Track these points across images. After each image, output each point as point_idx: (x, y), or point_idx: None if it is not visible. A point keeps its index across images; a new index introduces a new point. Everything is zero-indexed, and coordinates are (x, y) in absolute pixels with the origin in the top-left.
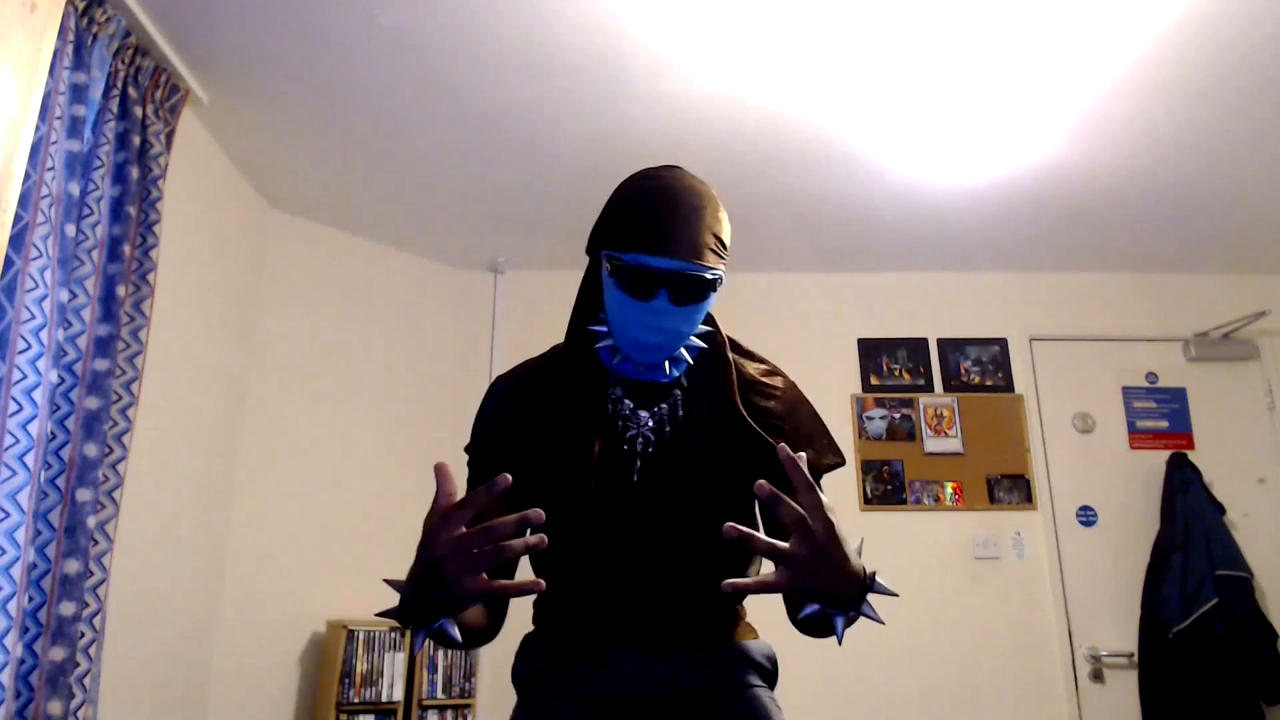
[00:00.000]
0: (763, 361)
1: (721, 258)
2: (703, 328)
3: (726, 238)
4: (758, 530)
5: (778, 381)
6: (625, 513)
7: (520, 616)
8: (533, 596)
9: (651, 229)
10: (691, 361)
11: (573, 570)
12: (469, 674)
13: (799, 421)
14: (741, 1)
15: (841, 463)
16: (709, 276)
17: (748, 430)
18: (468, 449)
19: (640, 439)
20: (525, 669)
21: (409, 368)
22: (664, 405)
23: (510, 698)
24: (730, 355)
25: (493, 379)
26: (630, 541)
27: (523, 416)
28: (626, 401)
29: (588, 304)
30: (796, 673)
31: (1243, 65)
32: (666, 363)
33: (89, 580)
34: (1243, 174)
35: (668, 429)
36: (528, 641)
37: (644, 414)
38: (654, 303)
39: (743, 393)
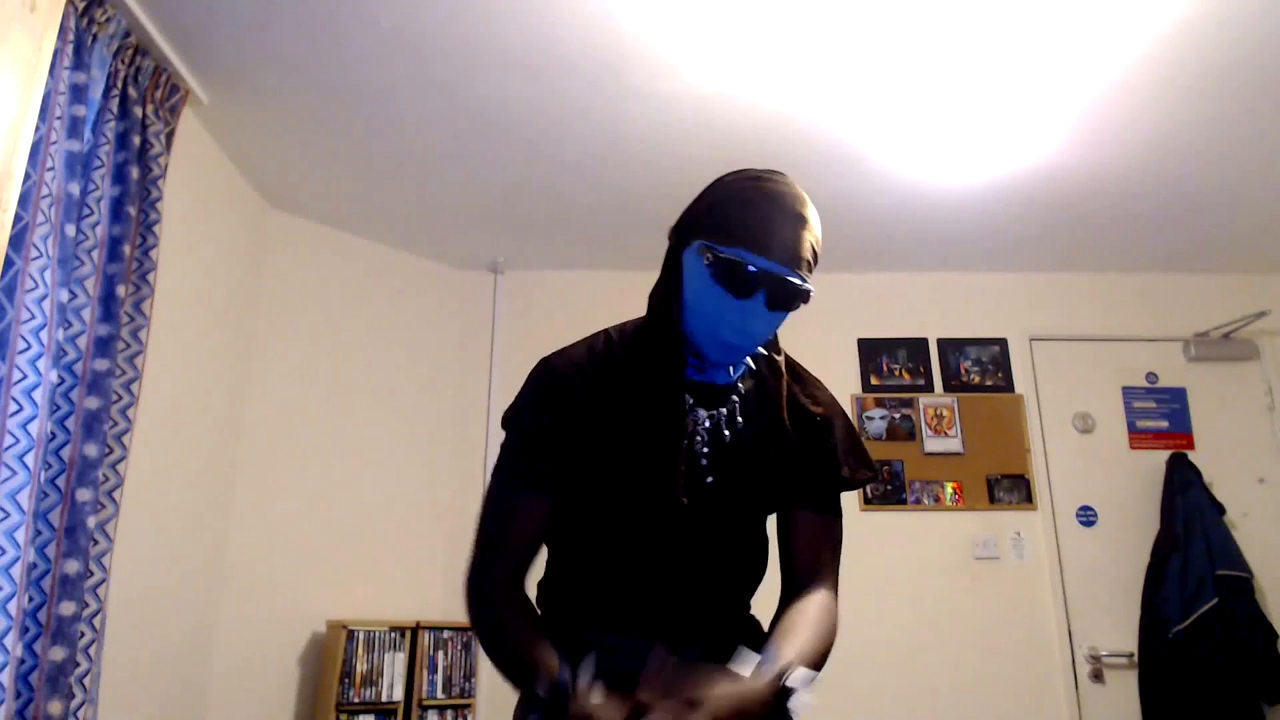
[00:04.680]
0: (806, 370)
1: (812, 272)
2: None
3: (820, 252)
4: (766, 538)
5: (819, 394)
6: (669, 511)
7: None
8: (537, 580)
9: (763, 229)
10: (754, 367)
11: (605, 561)
12: (469, 674)
13: (838, 435)
14: (742, 2)
15: (874, 477)
16: (804, 290)
17: (790, 439)
18: (509, 423)
19: (699, 438)
20: None
21: (409, 368)
22: (722, 409)
23: (511, 698)
24: (784, 369)
25: (543, 358)
26: (673, 539)
27: (581, 407)
28: (686, 398)
29: (669, 294)
30: None
31: (1243, 65)
32: (730, 366)
33: (89, 580)
34: (1243, 174)
35: (726, 433)
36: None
37: (703, 413)
38: (749, 303)
39: (790, 402)
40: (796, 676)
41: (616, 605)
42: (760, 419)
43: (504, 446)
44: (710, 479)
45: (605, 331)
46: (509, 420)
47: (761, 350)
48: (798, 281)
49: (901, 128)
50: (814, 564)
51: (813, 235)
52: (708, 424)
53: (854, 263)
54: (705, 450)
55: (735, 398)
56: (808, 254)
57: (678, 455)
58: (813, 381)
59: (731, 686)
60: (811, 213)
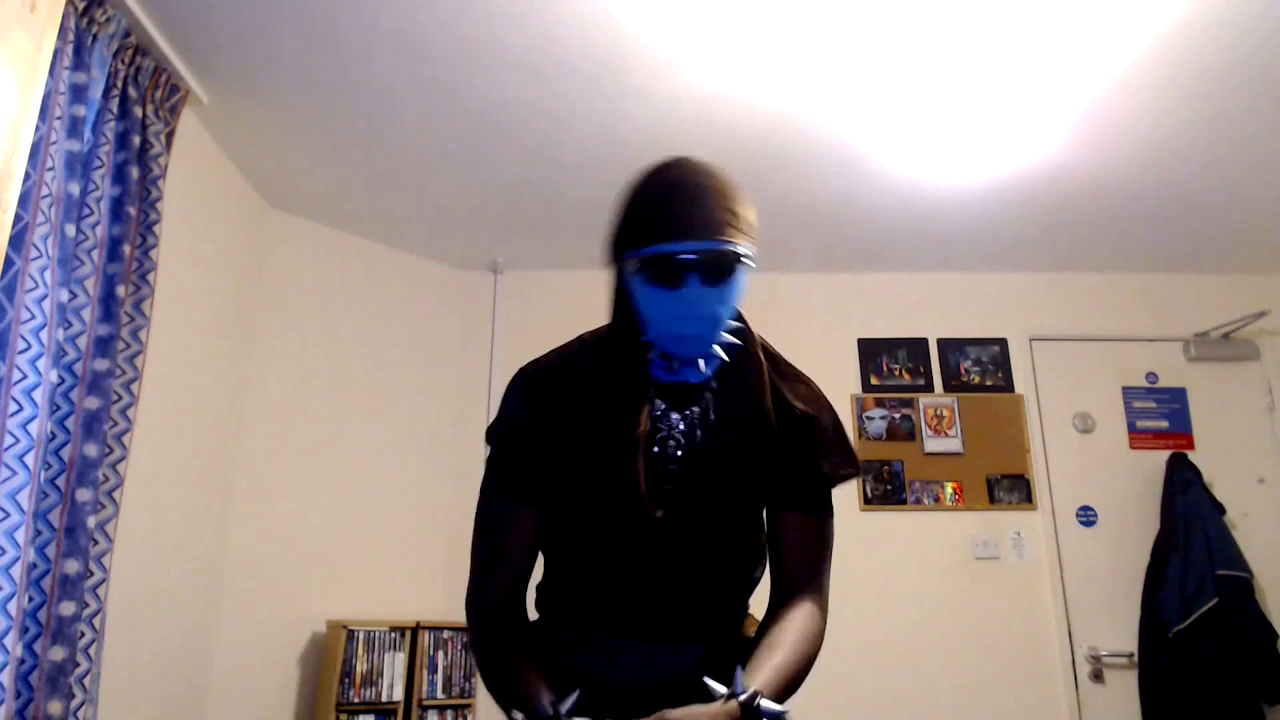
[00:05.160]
0: (788, 363)
1: (744, 232)
2: (733, 324)
3: (748, 214)
4: (759, 535)
5: (803, 389)
6: (638, 515)
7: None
8: (536, 583)
9: (666, 215)
10: (726, 359)
11: (594, 564)
12: (469, 674)
13: (822, 428)
14: (742, 2)
15: (856, 473)
16: (733, 251)
17: (774, 436)
18: (493, 437)
19: (671, 441)
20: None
21: (409, 368)
22: (695, 408)
23: None
24: (760, 359)
25: (519, 369)
26: (653, 541)
27: (552, 410)
28: (658, 402)
29: (622, 316)
30: None
31: (1243, 65)
32: (701, 361)
33: (89, 580)
34: (1243, 174)
35: (699, 432)
36: (535, 631)
37: (675, 416)
38: (686, 289)
39: (773, 394)
40: (765, 707)
41: (609, 607)
42: (739, 416)
43: (489, 460)
44: (685, 480)
45: (581, 336)
46: (492, 432)
47: (733, 339)
48: (722, 249)
49: (901, 128)
50: (802, 567)
51: (726, 199)
52: (682, 425)
53: (854, 263)
54: (679, 454)
55: (709, 394)
56: (726, 219)
57: (641, 461)
58: (796, 376)
59: (698, 712)
60: (719, 180)
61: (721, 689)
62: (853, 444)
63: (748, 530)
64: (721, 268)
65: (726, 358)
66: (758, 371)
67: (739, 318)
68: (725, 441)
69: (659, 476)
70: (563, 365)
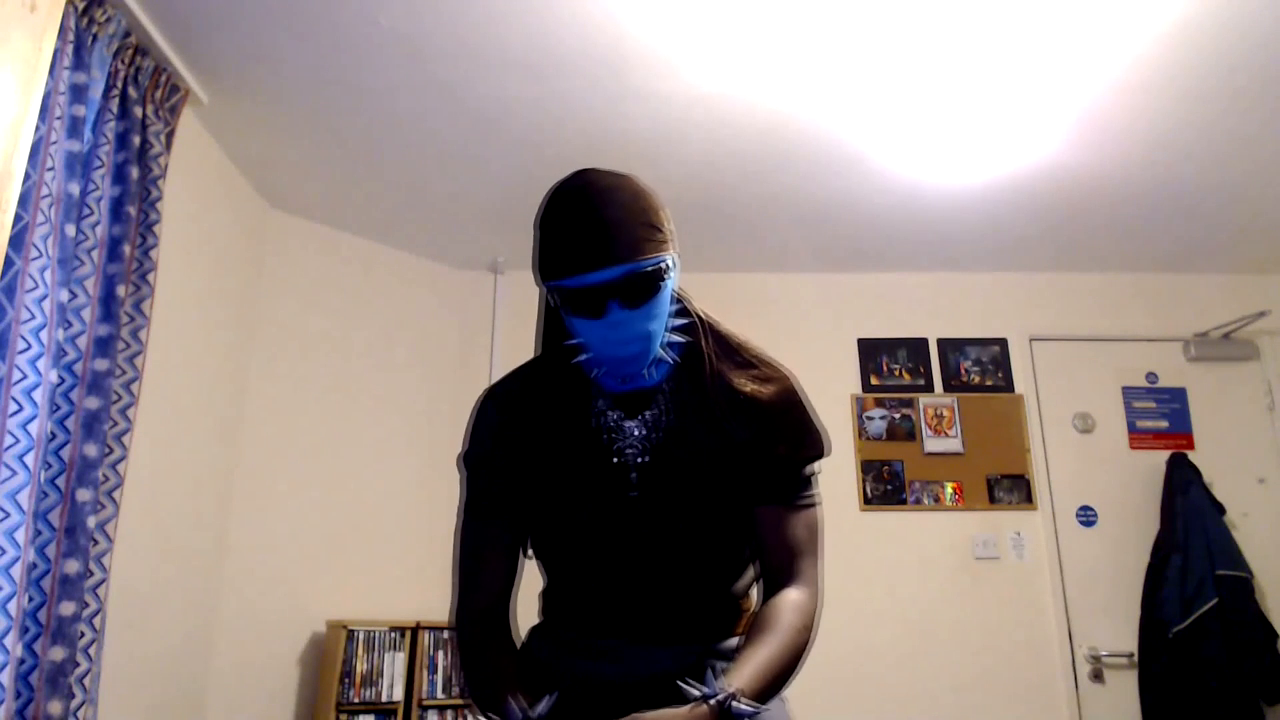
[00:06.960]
0: (749, 349)
1: (658, 242)
2: (681, 320)
3: (658, 220)
4: (742, 533)
5: (756, 374)
6: (620, 523)
7: (529, 609)
8: (538, 590)
9: (575, 246)
10: (673, 362)
11: (574, 573)
12: None
13: (776, 411)
14: (742, 2)
15: (820, 454)
16: (650, 269)
17: (726, 428)
18: (464, 460)
19: (630, 449)
20: (527, 657)
21: (409, 368)
22: (649, 413)
23: None
24: (708, 351)
25: (488, 385)
26: (626, 548)
27: (515, 429)
28: (610, 414)
29: (556, 328)
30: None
31: (1242, 65)
32: (648, 369)
33: (89, 580)
34: (1243, 174)
35: (656, 435)
36: (532, 633)
37: (630, 424)
38: (609, 316)
39: (725, 390)
40: (737, 708)
41: (595, 610)
42: (696, 414)
43: (464, 483)
44: (648, 485)
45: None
46: (463, 457)
47: (680, 337)
48: (636, 270)
49: (901, 128)
50: (784, 560)
51: (634, 212)
52: (638, 432)
53: (854, 263)
54: (640, 460)
55: (663, 397)
56: (637, 234)
57: (600, 474)
58: (751, 362)
59: (671, 714)
60: (625, 193)
61: (696, 690)
62: (820, 426)
63: (724, 528)
64: (640, 288)
65: (674, 360)
66: (703, 365)
67: (684, 312)
68: (682, 441)
69: (622, 484)
70: (525, 383)
